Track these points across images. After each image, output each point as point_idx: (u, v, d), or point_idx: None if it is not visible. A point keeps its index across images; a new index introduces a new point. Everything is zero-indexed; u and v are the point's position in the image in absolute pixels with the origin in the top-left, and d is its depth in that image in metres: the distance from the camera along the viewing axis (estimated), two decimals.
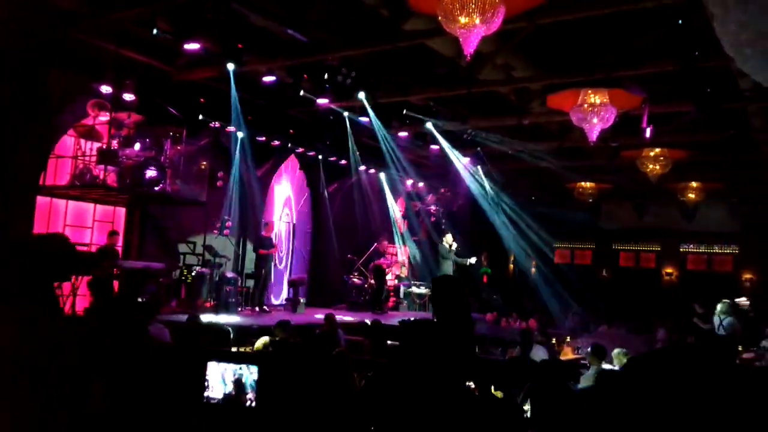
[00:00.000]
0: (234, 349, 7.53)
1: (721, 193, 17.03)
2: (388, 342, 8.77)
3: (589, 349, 8.14)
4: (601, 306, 16.70)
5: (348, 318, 12.47)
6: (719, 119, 10.43)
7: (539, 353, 8.75)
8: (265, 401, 3.99)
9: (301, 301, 13.67)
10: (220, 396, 4.02)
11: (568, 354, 10.64)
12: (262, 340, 7.84)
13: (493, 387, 4.91)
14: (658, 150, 12.77)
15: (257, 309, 12.40)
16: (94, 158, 10.50)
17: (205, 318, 9.14)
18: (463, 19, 6.48)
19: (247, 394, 3.99)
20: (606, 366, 7.72)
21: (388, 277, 15.86)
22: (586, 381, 7.01)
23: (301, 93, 10.56)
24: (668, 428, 1.67)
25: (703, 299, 11.52)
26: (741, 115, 10.87)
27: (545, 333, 10.56)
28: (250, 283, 12.99)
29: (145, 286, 10.28)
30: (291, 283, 14.55)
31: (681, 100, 9.99)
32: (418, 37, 8.81)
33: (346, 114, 12.62)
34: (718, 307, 10.64)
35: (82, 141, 10.73)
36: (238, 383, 4.00)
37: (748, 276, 19.81)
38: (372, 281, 15.00)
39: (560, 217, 18.98)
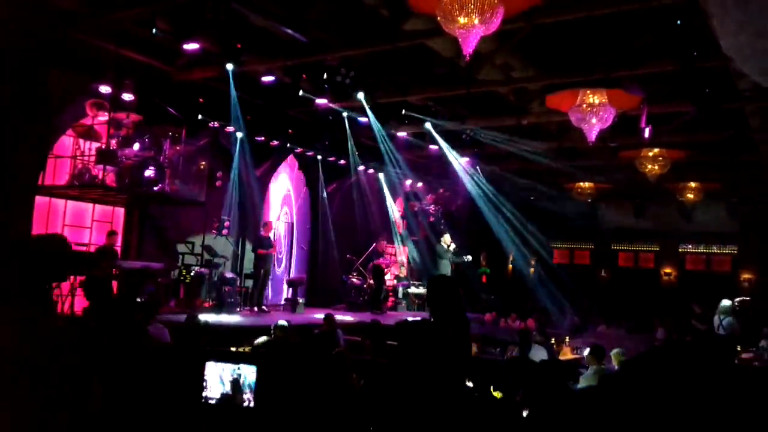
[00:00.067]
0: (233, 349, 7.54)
1: (720, 193, 17.04)
2: (388, 342, 8.77)
3: (587, 350, 8.15)
4: (594, 306, 16.75)
5: (347, 318, 12.47)
6: (718, 119, 10.45)
7: (538, 353, 8.77)
8: (264, 401, 3.99)
9: (300, 301, 13.66)
10: (218, 396, 4.01)
11: (567, 354, 10.65)
12: (262, 339, 7.86)
13: (492, 387, 4.92)
14: (656, 150, 12.78)
15: (256, 309, 12.39)
16: (92, 158, 10.50)
17: (204, 318, 9.13)
18: (462, 20, 6.48)
19: (244, 394, 3.98)
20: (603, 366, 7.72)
21: (387, 277, 15.86)
22: (585, 381, 7.01)
23: (300, 93, 10.56)
24: (667, 428, 1.67)
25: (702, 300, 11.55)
26: (740, 115, 10.88)
27: (544, 333, 10.57)
28: (249, 283, 12.99)
29: (144, 286, 10.28)
30: (290, 283, 14.54)
31: (680, 100, 9.99)
32: (417, 37, 8.81)
33: (345, 114, 12.62)
34: (719, 307, 10.66)
35: (81, 141, 10.71)
36: (236, 383, 3.99)
37: (746, 276, 19.84)
38: (371, 281, 15.00)
39: (559, 217, 19.00)
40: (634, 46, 8.97)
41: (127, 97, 10.28)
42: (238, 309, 11.98)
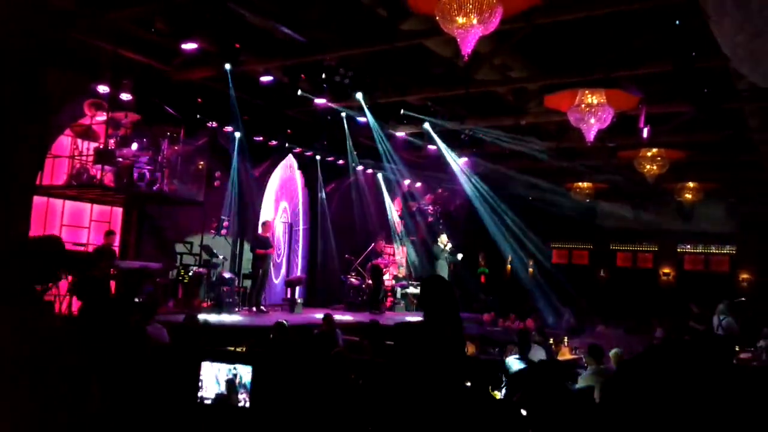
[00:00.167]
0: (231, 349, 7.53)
1: (719, 193, 17.03)
2: (387, 342, 8.77)
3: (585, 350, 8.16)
4: (587, 306, 16.76)
5: (346, 318, 12.47)
6: (717, 119, 10.45)
7: (537, 353, 8.77)
8: (259, 401, 3.98)
9: (299, 301, 13.66)
10: (213, 396, 4.00)
11: (565, 354, 10.66)
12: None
13: (490, 387, 4.92)
14: (655, 150, 12.77)
15: (254, 309, 12.38)
16: (91, 158, 10.48)
17: (202, 318, 9.13)
18: (460, 20, 6.48)
19: (240, 394, 3.97)
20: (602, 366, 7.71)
21: (386, 277, 15.85)
22: (583, 381, 7.01)
23: (299, 93, 10.55)
24: (665, 427, 1.67)
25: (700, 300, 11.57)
26: (738, 115, 10.88)
27: (543, 333, 10.58)
28: (248, 283, 12.98)
29: (143, 286, 10.27)
30: (288, 283, 14.54)
31: (678, 100, 9.99)
32: (415, 37, 8.81)
33: (343, 114, 12.62)
34: (719, 307, 10.68)
35: (79, 141, 10.69)
36: (231, 383, 3.98)
37: (745, 276, 19.85)
38: (369, 281, 15.00)
39: (557, 217, 19.00)
40: (633, 46, 8.97)
41: (126, 96, 10.28)
42: (237, 309, 11.97)
